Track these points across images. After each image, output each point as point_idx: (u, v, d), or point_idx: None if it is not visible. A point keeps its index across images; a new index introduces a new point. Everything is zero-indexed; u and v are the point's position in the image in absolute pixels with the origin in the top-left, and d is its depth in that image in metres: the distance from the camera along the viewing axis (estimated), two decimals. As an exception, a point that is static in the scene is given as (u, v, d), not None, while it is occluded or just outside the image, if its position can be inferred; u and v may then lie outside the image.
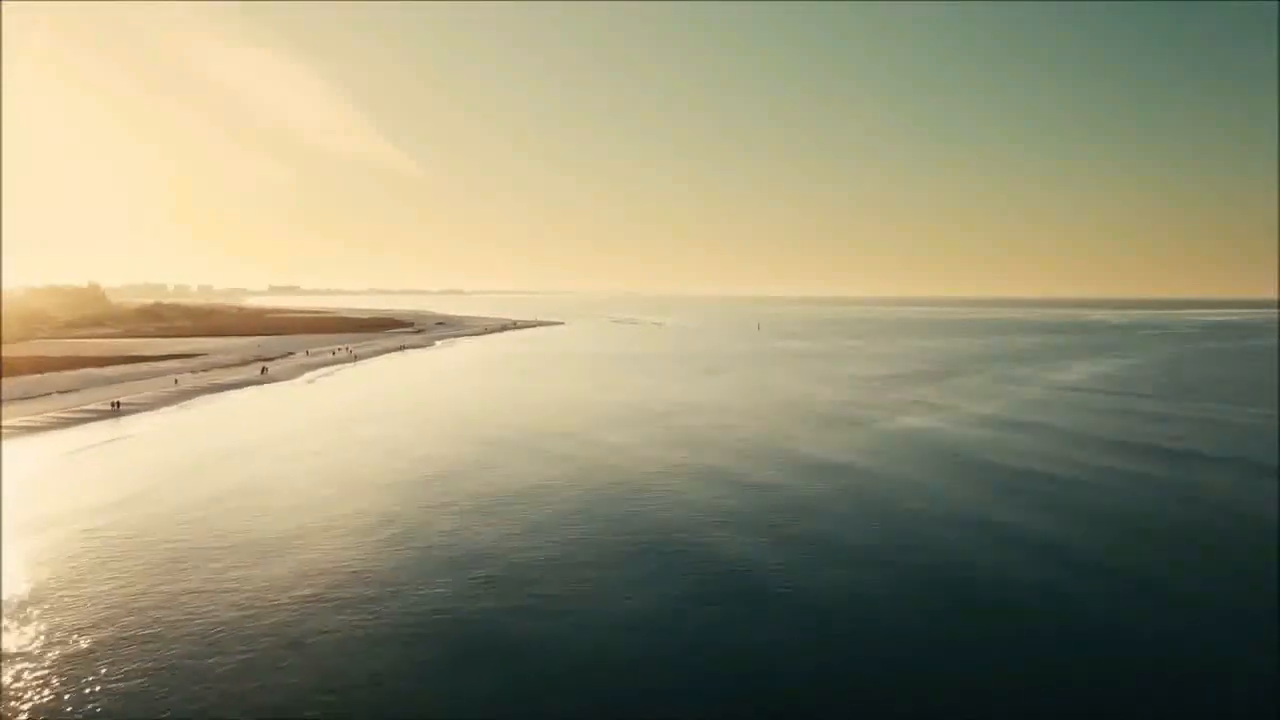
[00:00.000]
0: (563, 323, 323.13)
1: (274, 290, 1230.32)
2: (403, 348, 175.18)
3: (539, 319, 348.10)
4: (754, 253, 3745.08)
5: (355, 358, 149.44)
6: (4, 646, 28.01)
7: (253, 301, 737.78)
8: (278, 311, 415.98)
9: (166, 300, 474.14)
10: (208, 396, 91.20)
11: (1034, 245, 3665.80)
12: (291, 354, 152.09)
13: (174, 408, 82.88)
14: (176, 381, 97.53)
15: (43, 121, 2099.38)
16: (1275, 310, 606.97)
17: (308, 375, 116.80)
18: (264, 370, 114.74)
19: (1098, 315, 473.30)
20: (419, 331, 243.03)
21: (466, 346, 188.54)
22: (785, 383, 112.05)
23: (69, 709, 24.14)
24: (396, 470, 55.20)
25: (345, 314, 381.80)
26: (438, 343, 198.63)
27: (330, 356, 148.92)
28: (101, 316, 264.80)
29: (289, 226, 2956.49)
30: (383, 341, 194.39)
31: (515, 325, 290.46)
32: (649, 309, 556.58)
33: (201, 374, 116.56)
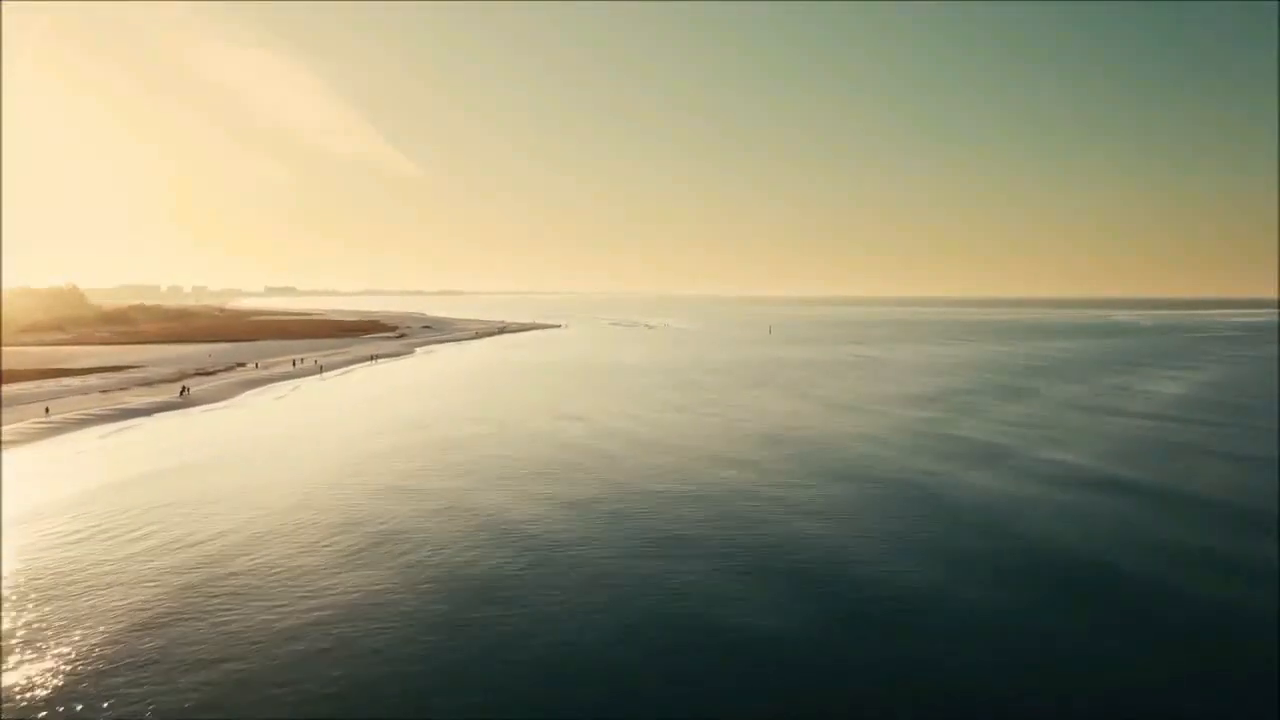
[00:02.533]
0: (559, 325, 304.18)
1: (270, 291, 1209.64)
2: (373, 358, 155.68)
3: (535, 321, 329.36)
4: (754, 253, 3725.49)
5: (321, 369, 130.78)
6: None
7: (246, 303, 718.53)
8: (261, 314, 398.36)
9: (153, 302, 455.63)
10: (87, 430, 71.86)
11: (1034, 245, 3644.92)
12: (241, 365, 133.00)
13: (26, 448, 63.83)
14: (47, 410, 77.97)
15: (43, 121, 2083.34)
16: (1277, 310, 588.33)
17: (238, 396, 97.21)
18: (184, 392, 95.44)
19: (1119, 316, 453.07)
20: (400, 337, 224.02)
21: (446, 355, 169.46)
22: (799, 408, 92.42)
23: None
24: (197, 570, 36.72)
25: (330, 317, 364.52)
26: (417, 350, 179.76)
27: (290, 368, 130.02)
28: (62, 320, 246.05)
29: (288, 227, 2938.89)
30: (356, 349, 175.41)
31: (507, 329, 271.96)
32: (650, 310, 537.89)
33: (117, 393, 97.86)
